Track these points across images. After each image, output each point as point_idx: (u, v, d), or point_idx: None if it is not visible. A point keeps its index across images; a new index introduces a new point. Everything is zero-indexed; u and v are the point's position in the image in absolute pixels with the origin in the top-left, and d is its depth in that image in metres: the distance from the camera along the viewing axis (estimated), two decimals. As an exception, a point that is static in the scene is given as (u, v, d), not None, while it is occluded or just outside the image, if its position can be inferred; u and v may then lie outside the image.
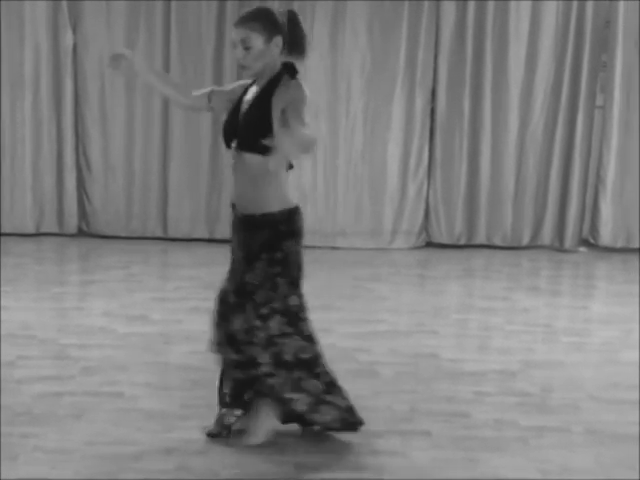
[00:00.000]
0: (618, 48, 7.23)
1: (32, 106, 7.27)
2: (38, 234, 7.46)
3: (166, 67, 7.15)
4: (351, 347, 4.65)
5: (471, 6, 7.18)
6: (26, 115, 7.27)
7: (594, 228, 7.61)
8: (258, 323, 3.22)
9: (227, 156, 3.37)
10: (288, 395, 3.28)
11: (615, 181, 7.45)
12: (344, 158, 7.39)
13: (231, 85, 3.48)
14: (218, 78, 7.02)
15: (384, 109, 7.31)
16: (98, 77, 7.24)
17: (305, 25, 3.24)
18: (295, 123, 2.97)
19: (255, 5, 3.32)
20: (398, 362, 4.45)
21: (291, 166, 3.23)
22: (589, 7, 7.15)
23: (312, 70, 7.16)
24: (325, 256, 7.11)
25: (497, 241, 7.58)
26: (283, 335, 3.25)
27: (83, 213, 7.52)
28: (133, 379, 4.06)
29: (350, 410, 3.40)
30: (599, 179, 7.51)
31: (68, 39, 7.17)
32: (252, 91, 3.25)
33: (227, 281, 3.32)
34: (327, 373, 3.37)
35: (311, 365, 3.31)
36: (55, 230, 7.50)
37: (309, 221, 7.28)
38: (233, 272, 3.31)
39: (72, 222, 7.48)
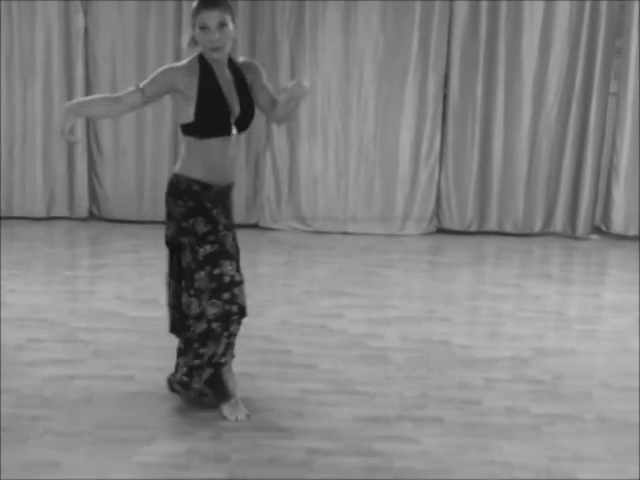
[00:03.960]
0: (633, 35, 7.15)
1: (43, 89, 7.26)
2: (49, 218, 7.47)
3: (177, 51, 7.12)
4: (362, 333, 4.65)
5: (485, -10, 7.14)
6: (37, 98, 7.27)
7: (606, 215, 7.56)
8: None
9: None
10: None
11: (628, 168, 7.39)
12: (356, 143, 7.35)
13: (161, 74, 3.30)
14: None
15: (396, 94, 7.27)
16: (109, 61, 7.22)
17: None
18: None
19: None
20: (409, 348, 4.44)
21: None
22: (604, -7, 7.10)
23: (324, 54, 7.14)
24: (336, 242, 7.10)
25: (508, 228, 7.54)
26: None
27: (94, 197, 7.52)
28: (144, 363, 4.06)
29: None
30: (612, 166, 7.45)
31: (79, 22, 7.15)
32: (223, 75, 3.35)
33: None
34: None
35: None
36: (66, 214, 7.50)
37: (320, 206, 7.41)
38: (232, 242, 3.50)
39: (83, 206, 7.48)
